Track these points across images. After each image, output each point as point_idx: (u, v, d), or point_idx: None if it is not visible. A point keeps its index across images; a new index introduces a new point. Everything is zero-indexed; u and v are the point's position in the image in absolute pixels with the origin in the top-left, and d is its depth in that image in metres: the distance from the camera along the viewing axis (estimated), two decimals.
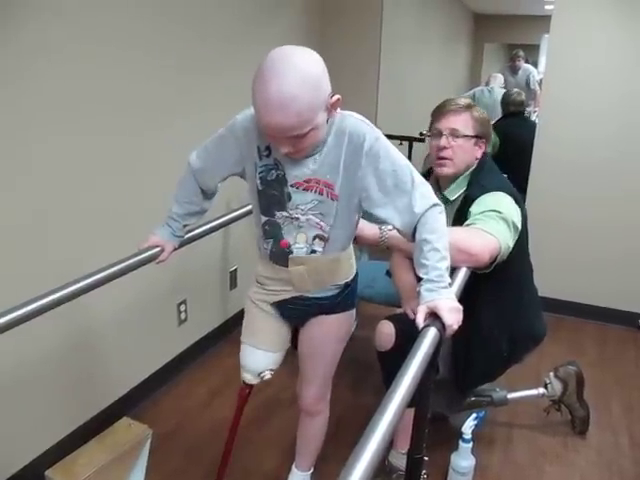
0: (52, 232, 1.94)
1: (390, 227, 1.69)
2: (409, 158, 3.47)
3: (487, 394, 2.31)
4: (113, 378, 2.36)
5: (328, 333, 1.66)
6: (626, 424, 2.48)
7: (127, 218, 2.23)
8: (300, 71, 1.18)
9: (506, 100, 4.36)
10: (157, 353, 2.59)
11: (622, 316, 3.36)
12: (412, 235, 1.38)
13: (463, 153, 1.89)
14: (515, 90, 4.48)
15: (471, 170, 1.92)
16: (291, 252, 1.50)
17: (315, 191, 1.41)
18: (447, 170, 1.91)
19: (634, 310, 3.35)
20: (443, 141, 1.88)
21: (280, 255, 1.52)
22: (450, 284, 1.34)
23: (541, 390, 2.36)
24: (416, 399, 1.27)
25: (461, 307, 1.32)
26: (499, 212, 1.72)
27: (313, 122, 1.23)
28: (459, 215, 1.83)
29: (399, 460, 1.99)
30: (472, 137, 1.89)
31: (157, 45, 2.24)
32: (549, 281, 3.37)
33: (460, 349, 1.96)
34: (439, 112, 1.93)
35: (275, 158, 1.42)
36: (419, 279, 1.35)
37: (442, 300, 1.29)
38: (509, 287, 1.94)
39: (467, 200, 1.84)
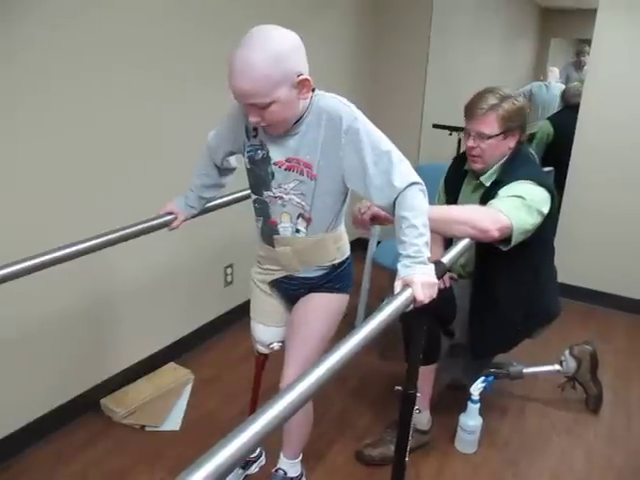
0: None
1: None
2: (458, 148, 3.60)
3: (504, 367, 2.47)
4: (164, 327, 2.64)
5: (313, 311, 1.68)
6: None
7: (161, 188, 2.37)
8: (266, 44, 1.27)
9: (566, 94, 4.39)
10: (204, 310, 2.87)
11: None
12: (393, 212, 1.42)
13: (492, 150, 2.00)
14: (575, 84, 4.51)
15: (505, 159, 2.04)
16: (277, 232, 1.58)
17: (296, 171, 1.47)
18: (477, 166, 2.06)
19: None
20: (471, 142, 2.01)
21: (269, 234, 1.61)
22: (429, 259, 1.37)
23: (556, 366, 2.48)
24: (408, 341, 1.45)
25: (436, 281, 1.36)
26: (523, 198, 1.84)
27: (272, 94, 1.30)
28: (487, 198, 1.96)
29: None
30: (500, 134, 1.98)
31: (201, 38, 2.49)
32: (582, 270, 3.47)
33: (476, 318, 2.11)
34: (468, 113, 2.03)
35: (261, 139, 1.50)
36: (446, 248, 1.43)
37: (416, 275, 1.32)
38: (528, 266, 2.05)
39: (496, 185, 1.97)
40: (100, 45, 2.04)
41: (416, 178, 1.41)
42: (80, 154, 2.07)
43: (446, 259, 1.55)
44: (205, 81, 2.50)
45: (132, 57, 2.18)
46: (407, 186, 1.38)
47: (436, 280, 1.36)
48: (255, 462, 2.07)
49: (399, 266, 1.37)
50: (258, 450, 2.08)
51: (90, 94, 2.05)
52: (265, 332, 1.81)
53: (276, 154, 1.49)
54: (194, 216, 1.83)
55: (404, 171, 1.40)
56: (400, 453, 1.60)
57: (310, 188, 1.49)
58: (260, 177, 1.54)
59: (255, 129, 1.51)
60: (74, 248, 1.49)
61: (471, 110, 2.01)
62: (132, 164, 2.28)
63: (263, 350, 1.85)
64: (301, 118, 1.44)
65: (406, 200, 1.38)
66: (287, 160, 1.48)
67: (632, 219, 3.38)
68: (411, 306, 1.33)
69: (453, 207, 1.96)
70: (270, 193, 1.54)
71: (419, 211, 1.38)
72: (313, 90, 1.44)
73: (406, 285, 1.34)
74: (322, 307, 1.68)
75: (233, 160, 1.77)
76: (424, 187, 1.42)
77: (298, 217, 1.54)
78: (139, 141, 2.29)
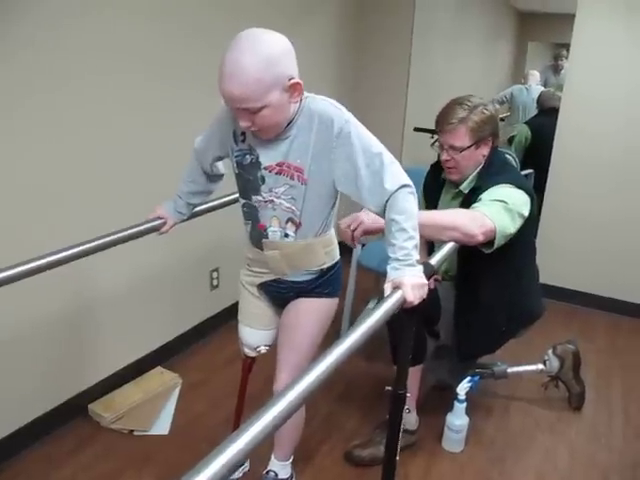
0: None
1: None
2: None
3: (489, 367, 2.51)
4: (150, 331, 2.64)
5: (302, 316, 1.69)
6: (623, 405, 2.62)
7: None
8: (257, 47, 1.26)
9: (541, 98, 4.49)
10: (190, 314, 2.86)
11: (636, 309, 3.47)
12: (383, 214, 1.42)
13: (466, 162, 2.04)
14: (550, 89, 4.61)
15: (480, 167, 2.08)
16: (267, 236, 1.57)
17: (287, 175, 1.47)
18: (454, 177, 2.10)
19: None
20: (445, 155, 2.06)
21: (258, 238, 1.60)
22: (417, 261, 1.38)
23: (540, 366, 2.53)
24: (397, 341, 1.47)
25: (426, 282, 1.37)
26: (505, 202, 1.88)
27: (263, 99, 1.29)
28: (468, 202, 1.99)
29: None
30: (471, 146, 2.01)
31: (198, 40, 2.51)
32: (564, 271, 3.54)
33: (461, 320, 2.15)
34: (438, 126, 2.05)
35: (249, 144, 1.49)
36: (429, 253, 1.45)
37: (406, 277, 1.33)
38: (510, 268, 2.09)
39: (476, 190, 2.00)
40: (97, 48, 2.05)
41: (407, 180, 1.41)
42: (72, 158, 2.07)
43: (434, 261, 1.57)
44: (197, 85, 2.50)
45: (127, 61, 2.19)
46: (398, 188, 1.38)
47: (426, 281, 1.38)
48: (240, 466, 2.05)
49: (388, 269, 1.38)
50: None
51: (87, 97, 2.07)
52: (253, 335, 1.80)
53: (266, 158, 1.48)
54: (183, 220, 1.83)
55: (395, 173, 1.40)
56: (390, 452, 1.62)
57: (301, 192, 1.48)
58: (249, 182, 1.54)
59: (243, 133, 1.50)
60: (63, 254, 1.48)
61: (441, 124, 2.04)
62: (125, 168, 2.29)
63: (250, 353, 1.83)
64: (292, 122, 1.43)
65: (397, 203, 1.38)
66: (277, 164, 1.47)
67: (611, 224, 3.46)
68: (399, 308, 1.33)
69: (441, 212, 1.98)
70: (260, 197, 1.54)
71: (409, 214, 1.39)
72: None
73: (396, 287, 1.34)
74: (312, 312, 1.69)
75: (221, 166, 1.76)
76: (414, 189, 1.42)
77: (287, 221, 1.54)
78: (133, 144, 2.30)
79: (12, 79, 1.82)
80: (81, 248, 1.52)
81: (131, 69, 2.22)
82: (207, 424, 2.31)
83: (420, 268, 1.39)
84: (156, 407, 2.39)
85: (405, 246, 1.36)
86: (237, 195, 1.65)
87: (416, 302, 1.34)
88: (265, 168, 1.49)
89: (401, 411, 1.55)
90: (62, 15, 1.91)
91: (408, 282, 1.33)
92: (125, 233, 1.65)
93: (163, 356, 2.69)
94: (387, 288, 1.36)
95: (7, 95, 1.82)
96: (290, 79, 1.33)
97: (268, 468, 1.92)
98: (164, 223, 1.77)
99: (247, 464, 2.08)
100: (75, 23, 1.96)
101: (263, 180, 1.51)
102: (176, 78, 2.44)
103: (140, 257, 2.43)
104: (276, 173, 1.48)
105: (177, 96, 2.46)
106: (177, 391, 2.52)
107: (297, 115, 1.43)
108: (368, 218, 1.73)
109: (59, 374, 2.23)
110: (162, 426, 2.30)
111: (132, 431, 2.26)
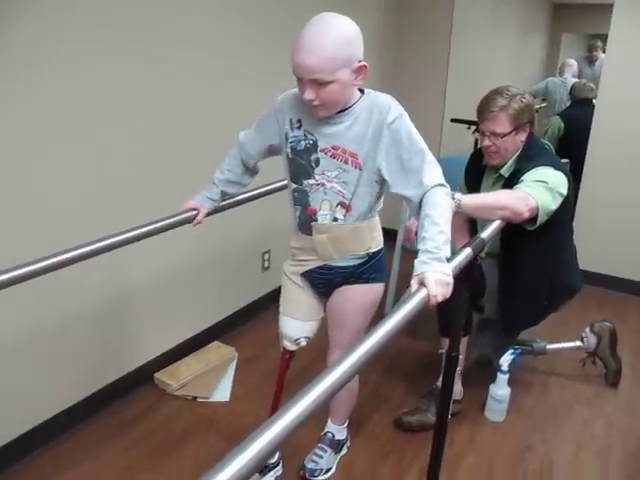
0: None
1: (459, 194, 1.92)
2: (475, 141, 3.76)
3: (529, 343, 2.63)
4: (208, 309, 2.83)
5: (350, 302, 1.77)
6: None
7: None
8: (334, 27, 1.39)
9: (574, 89, 4.57)
10: (244, 293, 3.05)
11: None
12: (418, 209, 1.49)
13: (506, 146, 2.19)
14: (582, 80, 4.69)
15: (519, 151, 2.23)
16: (316, 219, 1.64)
17: (340, 160, 1.55)
18: (495, 161, 2.25)
19: None
20: (486, 142, 2.20)
21: (306, 222, 1.66)
22: (447, 257, 1.38)
23: (577, 343, 2.65)
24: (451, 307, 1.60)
25: (451, 280, 1.34)
26: (545, 182, 2.04)
27: (335, 73, 1.40)
28: (509, 185, 2.14)
29: None
30: (511, 132, 2.16)
31: (242, 45, 2.68)
32: (599, 257, 3.63)
33: (505, 294, 2.29)
34: (480, 115, 2.21)
35: (305, 129, 1.58)
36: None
37: (430, 272, 1.31)
38: (550, 244, 2.24)
39: (516, 173, 2.15)
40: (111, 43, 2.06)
41: (443, 181, 1.50)
42: (110, 153, 2.17)
43: (484, 235, 1.71)
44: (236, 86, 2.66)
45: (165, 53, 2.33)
46: (434, 186, 1.47)
47: (451, 280, 1.34)
48: (272, 469, 2.03)
49: (416, 262, 1.38)
50: (277, 455, 2.06)
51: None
52: (294, 326, 1.84)
53: (322, 141, 1.57)
54: (217, 211, 1.86)
55: (434, 172, 1.49)
56: (443, 413, 1.76)
57: (354, 177, 1.56)
58: (302, 166, 1.61)
59: (299, 120, 1.59)
60: (109, 241, 1.54)
61: (482, 113, 2.19)
62: (164, 162, 2.43)
63: (290, 346, 1.86)
64: (350, 107, 1.53)
65: (432, 198, 1.46)
66: (333, 147, 1.56)
67: None
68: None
69: (490, 194, 2.11)
70: (312, 181, 1.61)
71: (443, 210, 1.44)
72: (362, 92, 1.55)
73: (421, 284, 1.32)
74: (360, 297, 1.77)
75: (257, 165, 1.84)
76: (449, 190, 1.52)
77: (337, 205, 1.61)
78: (168, 141, 2.39)
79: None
80: (117, 239, 1.56)
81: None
82: (264, 394, 2.48)
83: (448, 266, 1.37)
84: (216, 377, 2.57)
85: (436, 239, 1.38)
86: (283, 182, 1.75)
87: (439, 299, 1.30)
88: (321, 150, 1.57)
89: (454, 372, 1.70)
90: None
91: (432, 277, 1.31)
92: (158, 225, 1.67)
93: (220, 332, 2.88)
94: (413, 284, 1.34)
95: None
96: (359, 61, 1.44)
97: (326, 429, 2.10)
98: (197, 213, 1.79)
99: (280, 468, 2.04)
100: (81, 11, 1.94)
101: (317, 162, 1.58)
102: (215, 78, 2.57)
103: (199, 241, 2.61)
104: (331, 156, 1.56)
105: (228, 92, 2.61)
106: (234, 363, 2.70)
107: (356, 104, 1.53)
108: None
109: (126, 345, 2.43)
110: (223, 394, 2.48)
111: (195, 398, 2.45)
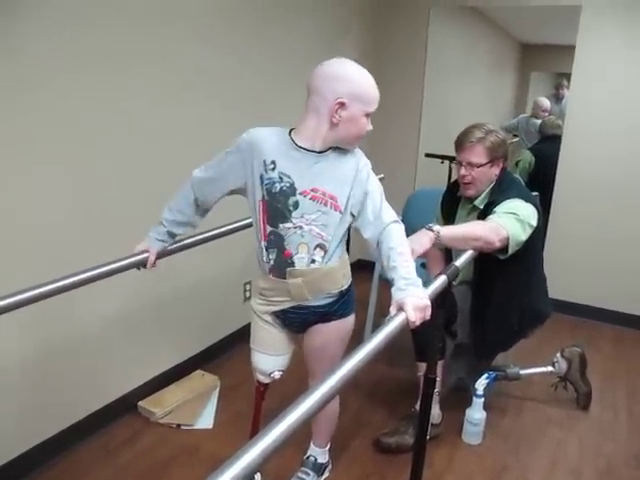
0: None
1: (437, 226, 2.00)
2: (449, 175, 3.91)
3: (502, 369, 2.73)
4: (192, 338, 2.89)
5: (328, 340, 1.82)
6: (627, 405, 2.85)
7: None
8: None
9: (543, 125, 4.78)
10: (226, 322, 3.11)
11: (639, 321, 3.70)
12: (376, 244, 1.62)
13: (481, 177, 2.32)
14: (551, 117, 4.90)
15: (493, 184, 2.36)
16: (292, 263, 1.64)
17: (320, 202, 1.58)
18: (470, 192, 2.37)
19: None
20: (462, 171, 2.33)
21: (281, 266, 1.66)
22: (421, 282, 1.49)
23: (549, 368, 2.75)
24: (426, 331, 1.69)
25: (428, 303, 1.44)
26: (516, 214, 2.16)
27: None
28: (483, 216, 2.26)
29: None
30: (487, 163, 2.30)
31: (230, 63, 2.80)
32: (571, 286, 3.78)
33: (477, 320, 2.40)
34: (458, 146, 2.34)
35: (279, 171, 1.58)
36: None
37: (409, 297, 1.42)
38: (520, 272, 2.35)
39: (490, 205, 2.28)
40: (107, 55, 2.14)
41: (396, 217, 1.65)
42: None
43: (458, 263, 1.82)
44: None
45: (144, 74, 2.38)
46: (393, 222, 1.62)
47: (428, 302, 1.44)
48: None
49: (393, 290, 1.47)
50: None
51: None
52: (267, 361, 1.87)
53: (301, 183, 1.58)
54: (165, 254, 1.78)
55: (390, 212, 1.65)
56: (422, 432, 1.84)
57: (334, 220, 1.61)
58: (278, 210, 1.60)
59: (273, 162, 1.58)
60: (60, 283, 1.48)
61: (461, 143, 2.33)
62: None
63: (264, 380, 1.91)
64: (328, 150, 1.59)
65: (392, 234, 1.59)
66: (312, 190, 1.58)
67: (613, 242, 3.73)
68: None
69: (464, 226, 2.20)
70: (289, 224, 1.60)
71: (404, 243, 1.60)
72: None
73: (400, 309, 1.42)
74: (337, 335, 1.83)
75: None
76: (402, 225, 1.65)
77: (316, 247, 1.63)
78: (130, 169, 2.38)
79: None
80: (62, 283, 1.49)
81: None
82: (247, 421, 2.52)
83: (424, 290, 1.48)
84: (200, 404, 2.62)
85: (406, 265, 1.51)
86: (247, 221, 1.79)
87: (418, 323, 1.40)
88: (300, 193, 1.58)
89: (432, 394, 1.78)
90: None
91: (410, 302, 1.40)
92: (107, 268, 1.60)
93: (203, 360, 2.93)
94: (392, 309, 1.44)
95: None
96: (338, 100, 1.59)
97: (308, 453, 2.16)
98: (147, 256, 1.72)
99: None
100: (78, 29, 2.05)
101: (296, 205, 1.59)
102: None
103: (181, 272, 2.67)
104: (310, 198, 1.58)
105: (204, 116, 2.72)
106: (217, 391, 2.75)
107: (331, 148, 1.60)
108: (420, 246, 1.92)
109: (110, 374, 2.46)
110: (206, 421, 2.53)
111: (179, 425, 2.49)
